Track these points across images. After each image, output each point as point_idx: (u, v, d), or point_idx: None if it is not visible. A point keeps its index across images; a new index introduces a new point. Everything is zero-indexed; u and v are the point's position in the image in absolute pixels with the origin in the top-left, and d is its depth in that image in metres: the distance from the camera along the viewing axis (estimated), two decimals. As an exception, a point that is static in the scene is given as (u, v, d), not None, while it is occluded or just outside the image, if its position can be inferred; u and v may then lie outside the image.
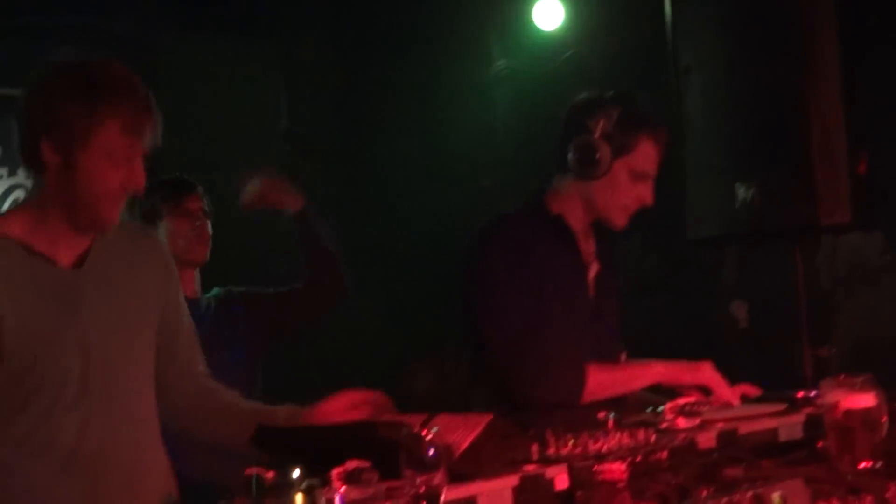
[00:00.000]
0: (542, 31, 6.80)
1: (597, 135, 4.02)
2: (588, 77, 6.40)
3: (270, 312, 5.12)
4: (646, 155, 4.06)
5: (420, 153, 7.21)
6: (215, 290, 5.22)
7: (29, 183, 6.64)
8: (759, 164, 5.11)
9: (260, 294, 5.16)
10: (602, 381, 3.98)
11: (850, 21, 5.02)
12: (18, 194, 6.71)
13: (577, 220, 4.15)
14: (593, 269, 4.23)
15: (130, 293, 3.39)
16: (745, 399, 4.04)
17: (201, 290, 5.08)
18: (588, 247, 4.23)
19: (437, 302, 5.20)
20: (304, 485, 2.79)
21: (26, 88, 3.25)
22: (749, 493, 2.66)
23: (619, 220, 4.13)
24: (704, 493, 2.74)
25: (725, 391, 4.01)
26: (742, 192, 5.08)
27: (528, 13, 6.81)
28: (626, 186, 4.06)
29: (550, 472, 2.95)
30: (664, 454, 3.16)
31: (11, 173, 6.69)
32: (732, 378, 4.08)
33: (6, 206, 6.68)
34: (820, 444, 3.31)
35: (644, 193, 4.08)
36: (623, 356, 4.27)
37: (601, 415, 3.51)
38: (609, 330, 4.23)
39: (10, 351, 3.14)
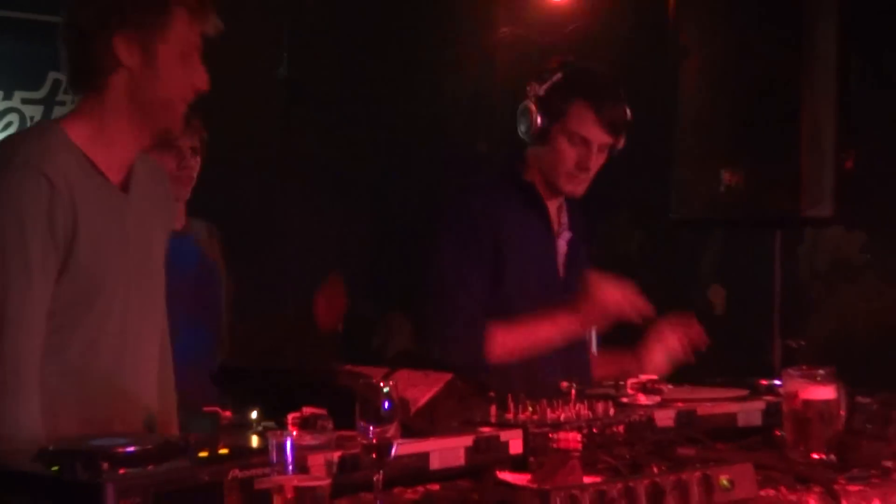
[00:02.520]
0: (548, 3, 6.78)
1: (532, 100, 4.06)
2: (589, 52, 6.39)
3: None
4: (580, 119, 4.04)
5: (417, 111, 7.19)
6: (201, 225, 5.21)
7: (26, 108, 6.70)
8: (747, 151, 5.11)
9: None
10: (507, 340, 3.99)
11: (849, 19, 5.02)
12: (12, 118, 6.70)
13: (544, 187, 4.16)
14: (564, 238, 4.23)
15: (153, 224, 3.32)
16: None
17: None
18: (560, 216, 4.24)
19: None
20: (260, 426, 2.80)
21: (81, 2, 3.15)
22: (698, 474, 2.67)
23: (567, 187, 4.12)
24: (655, 470, 2.74)
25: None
26: (727, 177, 5.09)
27: (536, -16, 6.79)
28: (565, 152, 4.06)
29: (505, 435, 2.97)
30: (621, 428, 3.19)
31: (7, 97, 6.68)
32: (704, 362, 4.08)
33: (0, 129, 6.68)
34: (777, 433, 3.32)
35: (584, 159, 4.07)
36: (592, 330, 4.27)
37: (563, 384, 3.54)
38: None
39: (79, 265, 3.05)
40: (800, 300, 5.79)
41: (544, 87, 4.07)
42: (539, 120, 4.06)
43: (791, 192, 4.98)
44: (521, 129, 4.12)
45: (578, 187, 4.13)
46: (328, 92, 7.29)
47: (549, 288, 4.14)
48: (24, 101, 6.62)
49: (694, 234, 6.20)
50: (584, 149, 4.06)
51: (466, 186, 4.32)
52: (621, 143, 4.13)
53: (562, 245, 4.22)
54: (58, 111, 6.63)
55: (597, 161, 4.10)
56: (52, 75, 6.65)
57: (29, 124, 6.57)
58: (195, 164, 4.91)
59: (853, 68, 5.04)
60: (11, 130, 6.52)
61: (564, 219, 4.25)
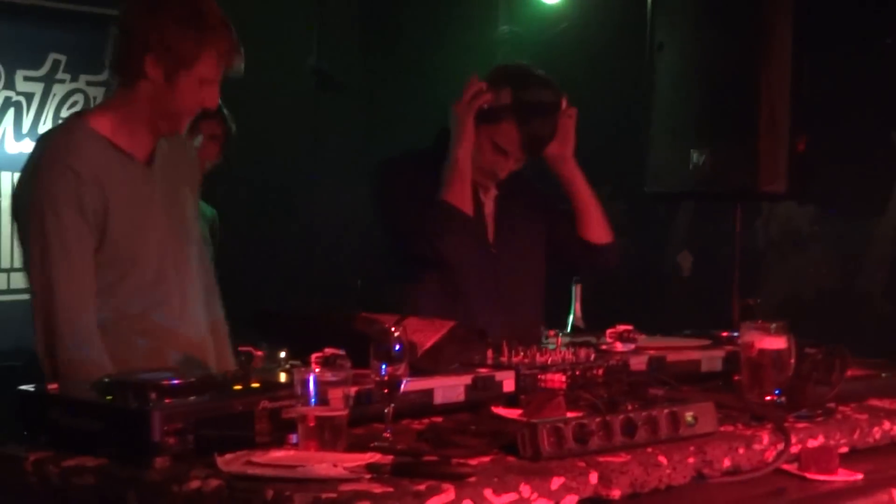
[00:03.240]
0: (543, 3, 6.75)
1: None
2: (576, 46, 6.37)
3: None
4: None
5: (427, 99, 7.16)
6: (211, 212, 5.17)
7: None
8: (713, 134, 5.07)
9: None
10: None
11: (803, 20, 4.99)
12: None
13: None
14: (490, 196, 3.99)
15: (181, 190, 3.32)
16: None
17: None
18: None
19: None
20: (287, 364, 2.80)
21: (134, 5, 3.14)
22: (666, 411, 2.66)
23: None
24: (629, 407, 2.73)
25: None
26: (696, 156, 5.07)
27: (532, -14, 6.76)
28: None
29: (500, 375, 2.98)
30: (600, 371, 3.18)
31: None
32: (674, 316, 4.03)
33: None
34: (735, 377, 3.31)
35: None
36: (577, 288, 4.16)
37: (551, 332, 3.53)
38: (514, 264, 3.99)
39: (113, 239, 3.08)
40: (756, 264, 5.78)
41: (486, 90, 3.88)
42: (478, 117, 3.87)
43: (750, 170, 4.94)
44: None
45: (491, 181, 3.95)
46: (352, 79, 7.27)
47: (477, 247, 3.91)
48: (26, 79, 6.57)
49: (666, 206, 6.19)
50: (501, 157, 3.87)
51: (395, 156, 4.12)
52: None
53: (489, 204, 3.98)
54: (57, 89, 6.61)
55: (515, 164, 3.92)
56: (51, 56, 6.62)
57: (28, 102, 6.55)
58: (210, 151, 4.82)
59: (805, 62, 5.02)
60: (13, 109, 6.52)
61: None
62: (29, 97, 6.51)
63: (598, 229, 4.04)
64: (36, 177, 3.08)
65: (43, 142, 3.20)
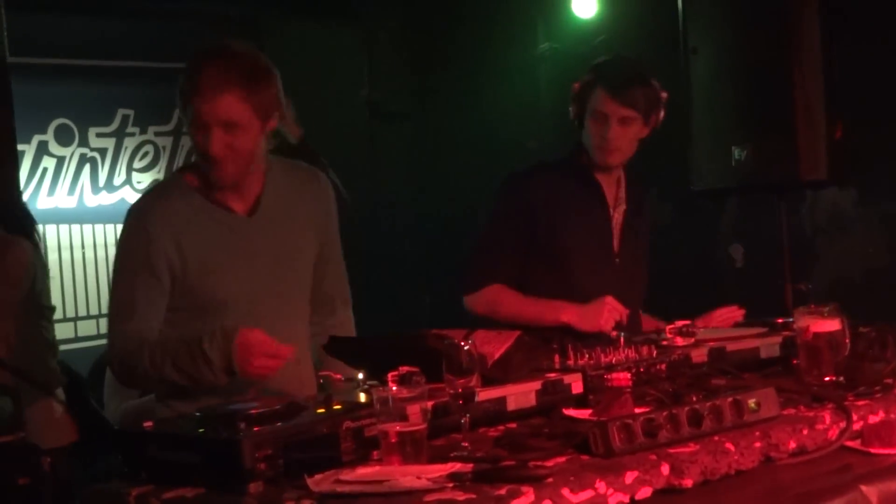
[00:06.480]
0: (580, 19, 6.75)
1: (571, 97, 3.99)
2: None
3: None
4: (597, 98, 3.90)
5: (476, 120, 7.19)
6: None
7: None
8: (752, 129, 5.07)
9: None
10: (497, 300, 3.91)
11: (830, 11, 4.98)
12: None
13: (594, 166, 4.01)
14: (620, 210, 4.07)
15: (295, 232, 3.31)
16: (737, 324, 3.95)
17: None
18: (618, 190, 4.08)
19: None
20: (365, 385, 2.81)
21: None
22: (729, 399, 2.65)
23: (600, 158, 3.95)
24: (694, 399, 2.72)
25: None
26: (737, 152, 5.05)
27: (568, 3, 6.76)
28: (591, 128, 3.93)
29: (568, 378, 2.96)
30: (663, 366, 3.17)
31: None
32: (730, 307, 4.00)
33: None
34: (794, 361, 3.29)
35: (604, 130, 3.88)
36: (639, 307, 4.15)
37: (614, 333, 3.52)
38: (629, 273, 4.06)
39: (191, 285, 3.14)
40: (805, 250, 5.74)
41: (577, 84, 4.00)
42: (573, 110, 3.99)
43: (791, 161, 4.94)
44: (574, 122, 4.01)
45: (610, 157, 3.94)
46: (403, 108, 7.31)
47: (603, 255, 4.02)
48: (99, 136, 6.65)
49: (712, 202, 6.16)
50: (603, 123, 3.90)
51: (524, 170, 4.12)
52: (650, 116, 3.95)
53: (617, 217, 4.06)
54: (128, 142, 6.70)
55: (620, 132, 3.91)
56: (120, 111, 6.69)
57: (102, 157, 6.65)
58: None
59: (836, 51, 4.99)
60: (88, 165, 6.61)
61: (622, 193, 4.10)
62: (102, 152, 6.62)
63: None
64: (121, 233, 3.23)
65: (139, 198, 3.30)
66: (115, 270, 3.23)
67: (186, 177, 3.22)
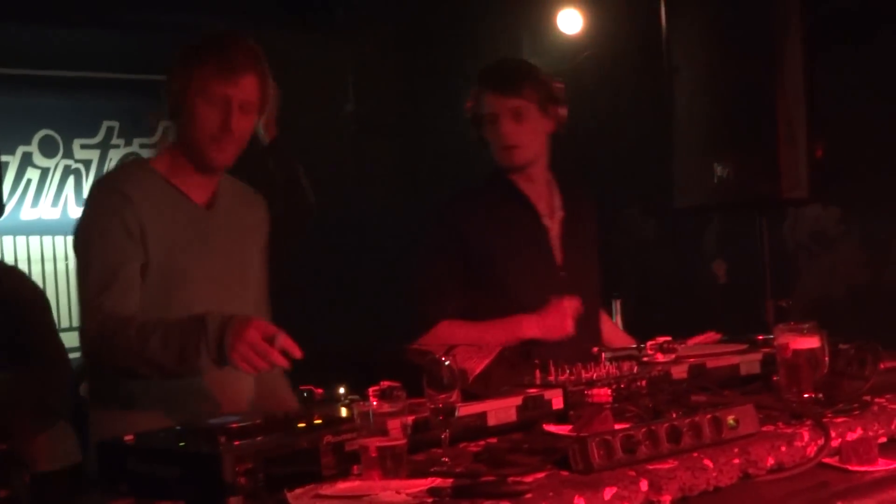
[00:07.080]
0: (565, 35, 6.76)
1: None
2: (598, 73, 6.39)
3: None
4: (479, 102, 3.87)
5: (461, 135, 7.18)
6: None
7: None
8: (734, 147, 5.10)
9: None
10: (450, 334, 3.69)
11: (812, 30, 5.01)
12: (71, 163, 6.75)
13: (519, 176, 3.91)
14: (557, 218, 3.94)
15: (245, 236, 3.36)
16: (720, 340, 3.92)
17: None
18: (551, 199, 3.96)
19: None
20: (346, 399, 2.81)
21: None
22: (708, 416, 2.66)
23: (505, 159, 3.86)
24: (673, 415, 2.73)
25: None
26: (719, 170, 5.07)
27: (554, 19, 6.77)
28: (490, 134, 3.87)
29: (549, 394, 2.97)
30: (643, 382, 3.16)
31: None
32: (711, 325, 3.99)
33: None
34: (773, 378, 3.30)
35: (498, 128, 3.82)
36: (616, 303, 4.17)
37: (594, 349, 3.52)
38: (579, 284, 3.91)
39: (156, 262, 3.12)
40: (786, 268, 5.76)
41: (468, 103, 3.92)
42: (472, 132, 3.93)
43: (772, 178, 4.97)
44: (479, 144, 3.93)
45: (514, 155, 3.83)
46: (390, 122, 7.31)
47: (546, 270, 3.88)
48: (83, 147, 6.64)
49: (695, 219, 6.18)
50: (497, 123, 3.82)
51: (449, 198, 4.01)
52: (546, 107, 3.83)
53: (554, 227, 3.94)
54: (112, 154, 6.68)
55: (515, 127, 3.81)
56: (105, 123, 6.69)
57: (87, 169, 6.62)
58: None
59: (817, 73, 5.02)
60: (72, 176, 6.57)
61: (557, 201, 3.98)
62: (87, 164, 6.59)
63: None
64: (87, 205, 3.21)
65: (105, 176, 3.38)
66: (84, 241, 3.16)
67: (151, 162, 3.27)
